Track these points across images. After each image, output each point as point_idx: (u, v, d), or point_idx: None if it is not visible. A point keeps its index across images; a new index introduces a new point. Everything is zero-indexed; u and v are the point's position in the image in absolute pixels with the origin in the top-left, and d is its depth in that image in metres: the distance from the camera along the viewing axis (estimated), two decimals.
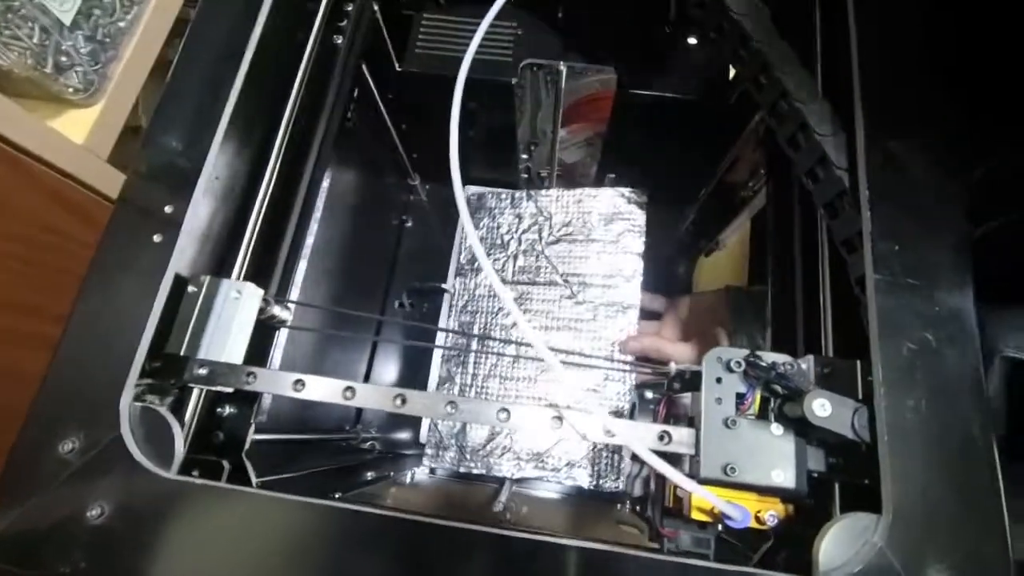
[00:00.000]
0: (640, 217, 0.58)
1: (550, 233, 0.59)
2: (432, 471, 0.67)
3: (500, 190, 0.64)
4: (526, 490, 0.63)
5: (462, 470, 0.55)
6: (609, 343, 0.54)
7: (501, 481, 0.61)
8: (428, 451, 0.56)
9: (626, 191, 0.59)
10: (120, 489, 0.21)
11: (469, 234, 0.40)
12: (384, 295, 0.66)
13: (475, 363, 0.57)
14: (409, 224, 0.70)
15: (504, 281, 0.59)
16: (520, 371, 0.55)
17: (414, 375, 0.65)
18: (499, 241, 0.60)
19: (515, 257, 0.59)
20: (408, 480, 0.65)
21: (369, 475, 0.59)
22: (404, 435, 0.64)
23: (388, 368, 0.65)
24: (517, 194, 0.61)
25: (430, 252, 0.69)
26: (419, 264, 0.69)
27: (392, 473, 0.63)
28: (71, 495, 0.21)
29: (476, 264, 0.60)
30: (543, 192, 0.61)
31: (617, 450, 0.52)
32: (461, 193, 0.31)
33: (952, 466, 0.21)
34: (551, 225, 0.59)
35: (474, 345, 0.58)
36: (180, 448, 0.23)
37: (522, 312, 0.56)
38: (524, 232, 0.60)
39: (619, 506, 0.63)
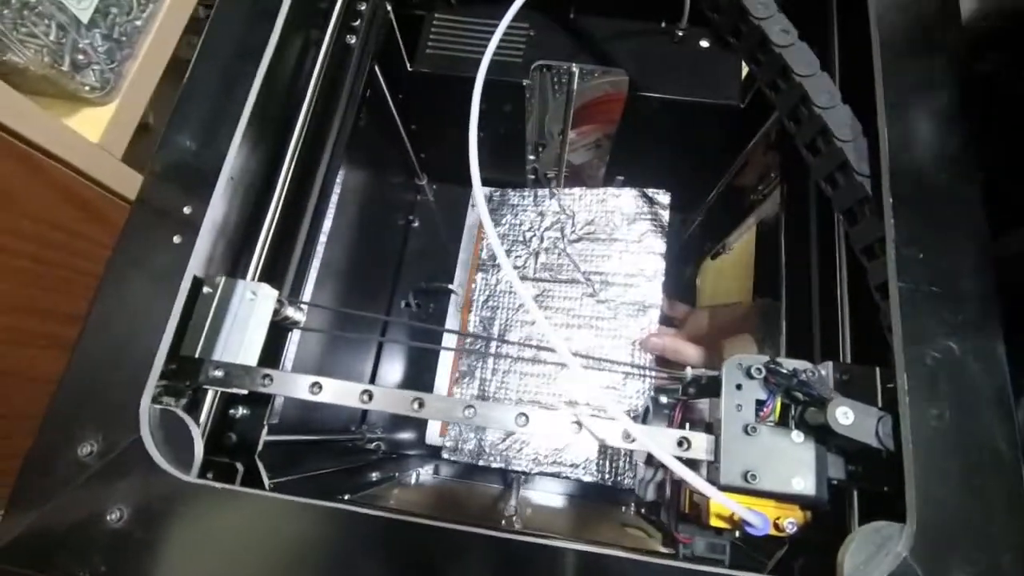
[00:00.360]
0: (663, 217, 0.58)
1: (573, 231, 0.59)
2: (436, 471, 0.67)
3: (523, 189, 0.63)
4: (530, 491, 0.63)
5: (480, 463, 0.55)
6: (629, 341, 0.54)
7: (506, 480, 0.61)
8: (447, 444, 0.57)
9: (649, 191, 0.59)
10: (140, 492, 0.21)
11: (488, 230, 0.40)
12: (390, 295, 0.66)
13: (495, 358, 0.57)
14: (416, 224, 0.70)
15: (525, 278, 0.58)
16: (539, 367, 0.55)
17: (420, 373, 0.65)
18: (521, 238, 0.60)
19: (537, 254, 0.59)
20: (413, 481, 0.65)
21: (374, 476, 0.58)
22: (409, 435, 0.64)
23: (394, 366, 0.65)
24: (540, 192, 0.61)
25: (436, 252, 0.69)
26: (425, 264, 0.69)
27: (397, 474, 0.63)
28: (90, 498, 0.21)
29: (496, 261, 0.61)
30: (566, 191, 0.61)
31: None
32: (481, 192, 0.31)
33: (977, 476, 0.21)
34: (574, 223, 0.59)
35: (493, 342, 0.58)
36: (199, 450, 0.23)
37: (542, 309, 0.57)
38: (546, 230, 0.60)
39: (623, 508, 0.63)
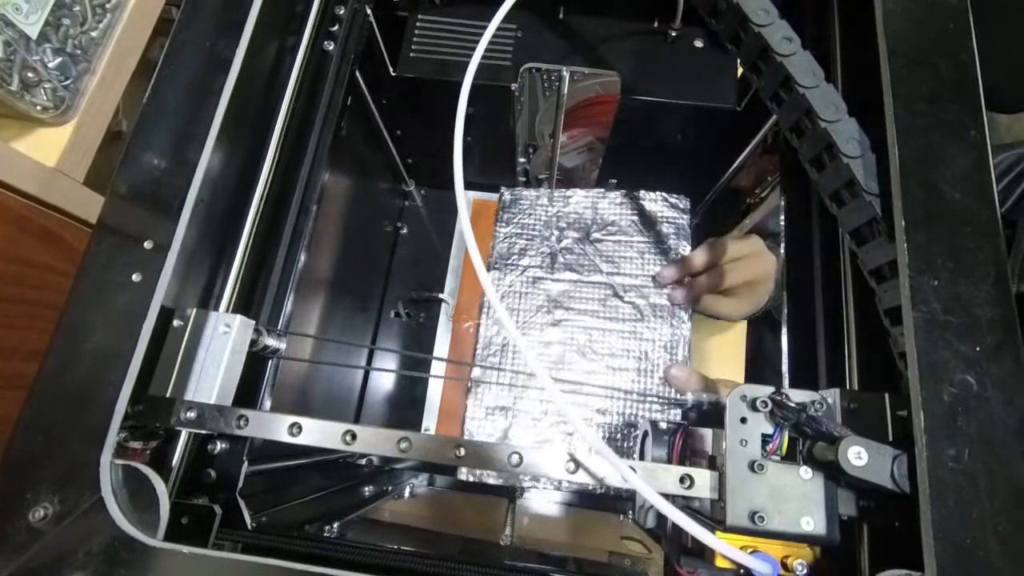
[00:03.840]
0: (684, 221, 0.56)
1: (593, 231, 0.58)
2: (431, 481, 0.66)
3: (539, 188, 0.61)
4: (528, 499, 0.62)
5: (496, 482, 0.53)
6: (662, 345, 0.52)
7: (503, 489, 0.60)
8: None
9: (670, 196, 0.58)
10: (101, 559, 0.19)
11: (469, 244, 0.38)
12: (379, 305, 0.64)
13: (512, 362, 0.54)
14: (404, 231, 0.68)
15: (542, 278, 0.56)
16: (565, 372, 0.53)
17: (413, 386, 0.63)
18: (536, 235, 0.58)
19: (553, 255, 0.57)
20: (407, 493, 0.64)
21: (367, 491, 0.57)
22: None
23: (387, 376, 0.63)
24: (556, 193, 0.60)
25: (426, 259, 0.68)
26: (415, 271, 0.67)
27: (390, 487, 0.61)
28: (44, 569, 0.19)
29: (510, 260, 0.58)
30: (582, 192, 0.59)
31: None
32: (464, 207, 0.30)
33: (1001, 520, 0.19)
34: (594, 223, 0.58)
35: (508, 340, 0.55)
36: (166, 510, 0.21)
37: (565, 311, 0.54)
38: (565, 229, 0.58)
39: (622, 517, 0.62)
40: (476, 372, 0.54)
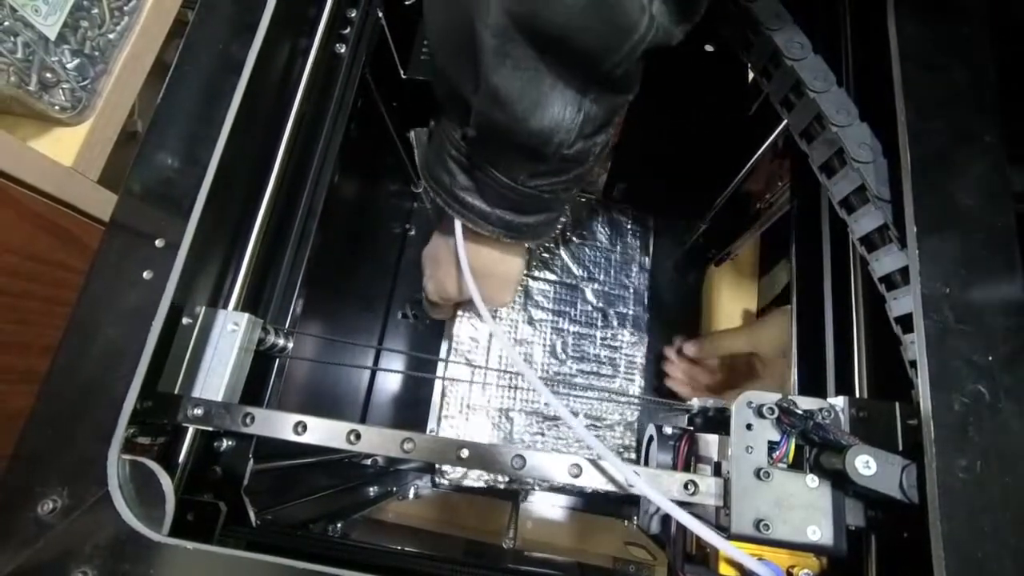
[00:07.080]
0: (648, 239, 0.61)
1: (569, 233, 0.60)
2: (434, 483, 0.66)
3: None
4: (532, 501, 0.62)
5: (484, 484, 0.54)
6: (622, 352, 0.55)
7: (507, 493, 0.60)
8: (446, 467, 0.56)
9: (635, 210, 0.62)
10: (107, 553, 0.20)
11: (460, 249, 0.39)
12: (387, 306, 0.64)
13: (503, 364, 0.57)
14: (412, 232, 0.68)
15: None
16: (559, 377, 0.56)
17: (419, 387, 0.63)
18: None
19: (529, 250, 0.60)
20: (411, 494, 0.64)
21: (372, 491, 0.57)
22: None
23: (392, 378, 0.64)
24: None
25: None
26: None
27: (395, 488, 0.61)
28: (51, 561, 0.19)
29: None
30: None
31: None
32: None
33: (1012, 533, 0.19)
34: (568, 225, 0.61)
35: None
36: (171, 506, 0.22)
37: (536, 309, 0.57)
38: None
39: (626, 522, 0.62)
40: (451, 371, 0.57)
